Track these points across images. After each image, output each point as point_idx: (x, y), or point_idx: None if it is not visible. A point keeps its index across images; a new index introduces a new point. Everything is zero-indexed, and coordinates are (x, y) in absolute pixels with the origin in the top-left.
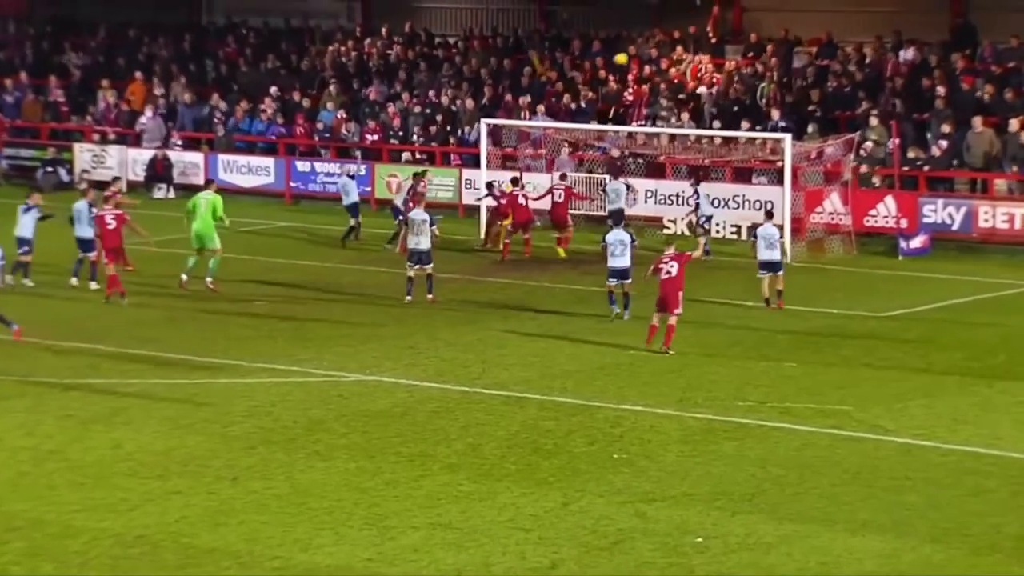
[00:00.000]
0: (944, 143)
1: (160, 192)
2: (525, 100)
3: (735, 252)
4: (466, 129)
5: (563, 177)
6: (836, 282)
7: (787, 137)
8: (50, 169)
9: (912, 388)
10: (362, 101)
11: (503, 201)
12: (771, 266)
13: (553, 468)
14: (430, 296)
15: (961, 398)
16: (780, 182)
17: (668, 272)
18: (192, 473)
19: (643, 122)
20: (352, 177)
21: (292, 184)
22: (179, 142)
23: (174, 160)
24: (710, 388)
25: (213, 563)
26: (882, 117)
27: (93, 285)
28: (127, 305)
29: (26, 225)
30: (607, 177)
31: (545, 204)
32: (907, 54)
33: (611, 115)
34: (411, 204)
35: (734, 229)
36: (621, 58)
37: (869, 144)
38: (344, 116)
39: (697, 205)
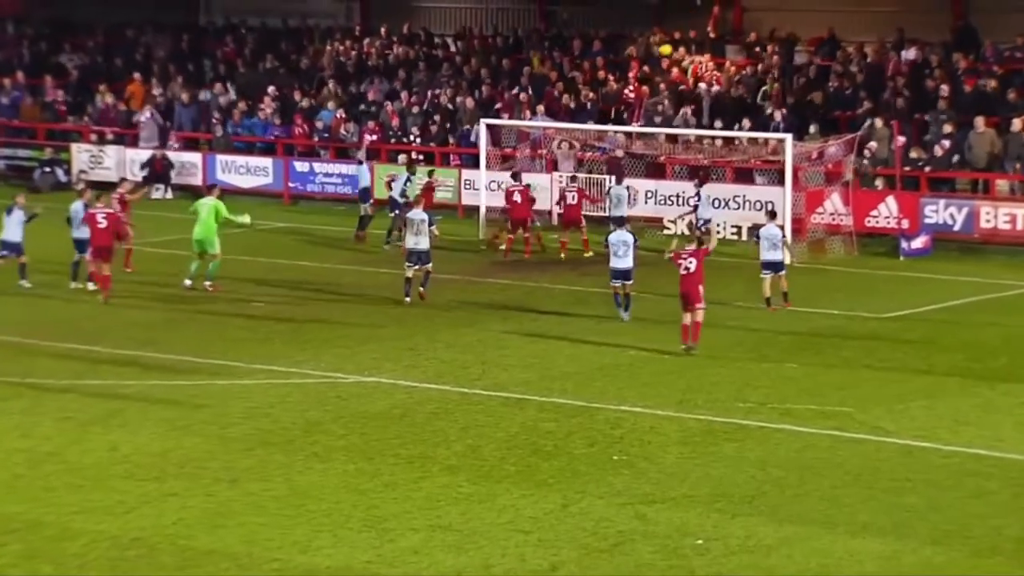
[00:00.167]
0: (947, 143)
1: (158, 193)
2: (525, 99)
3: (735, 253)
4: (467, 127)
5: (573, 179)
6: (837, 283)
7: (788, 137)
8: (47, 169)
9: (913, 389)
10: (360, 100)
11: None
12: (773, 266)
13: (553, 470)
14: (421, 290)
15: (963, 400)
16: (781, 182)
17: (687, 268)
18: (190, 475)
19: (642, 122)
20: (362, 163)
21: (291, 184)
22: (176, 144)
23: (172, 160)
24: (710, 389)
25: (211, 565)
26: (885, 117)
27: (91, 286)
28: (103, 302)
29: (11, 228)
30: (609, 179)
31: (543, 204)
32: (908, 54)
33: (612, 115)
34: (422, 201)
35: (734, 230)
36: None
37: (874, 144)
38: (343, 116)
39: (696, 206)
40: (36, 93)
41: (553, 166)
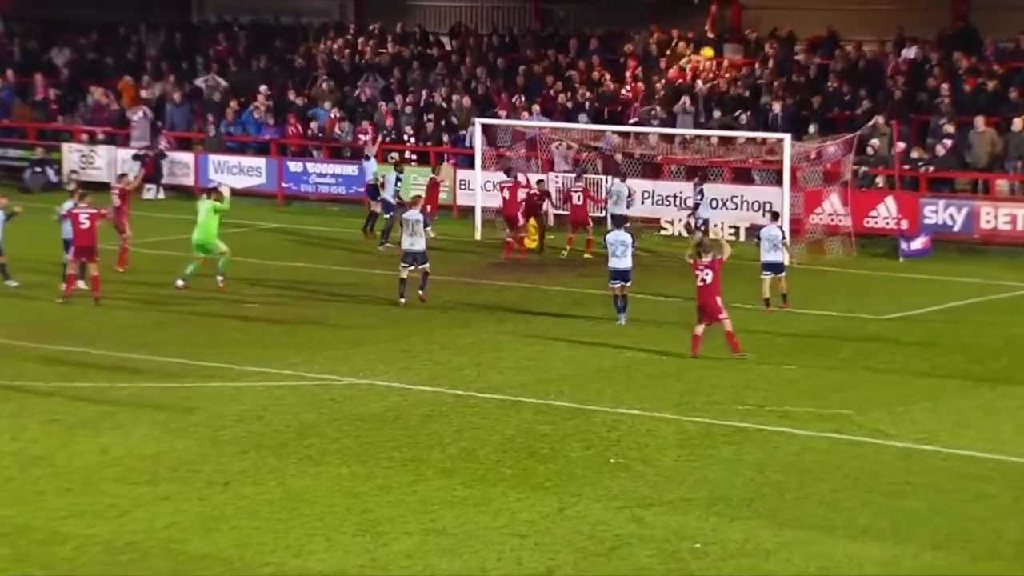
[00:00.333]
0: (949, 142)
1: (149, 193)
2: (520, 99)
3: (733, 254)
4: (463, 133)
5: (579, 179)
6: (836, 284)
7: (787, 137)
8: (38, 170)
9: (913, 391)
10: (355, 100)
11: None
12: (773, 267)
13: (549, 473)
14: (421, 293)
15: (963, 402)
16: (779, 183)
17: (703, 280)
18: (182, 478)
19: (637, 120)
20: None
21: (284, 185)
22: (164, 144)
23: (164, 151)
24: (708, 392)
25: (204, 569)
26: (885, 116)
27: (82, 284)
28: (60, 303)
29: None
30: (607, 179)
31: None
32: (908, 53)
33: (606, 115)
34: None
35: (732, 230)
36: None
37: (876, 141)
38: (337, 115)
39: (697, 205)
40: (26, 92)
41: (549, 166)
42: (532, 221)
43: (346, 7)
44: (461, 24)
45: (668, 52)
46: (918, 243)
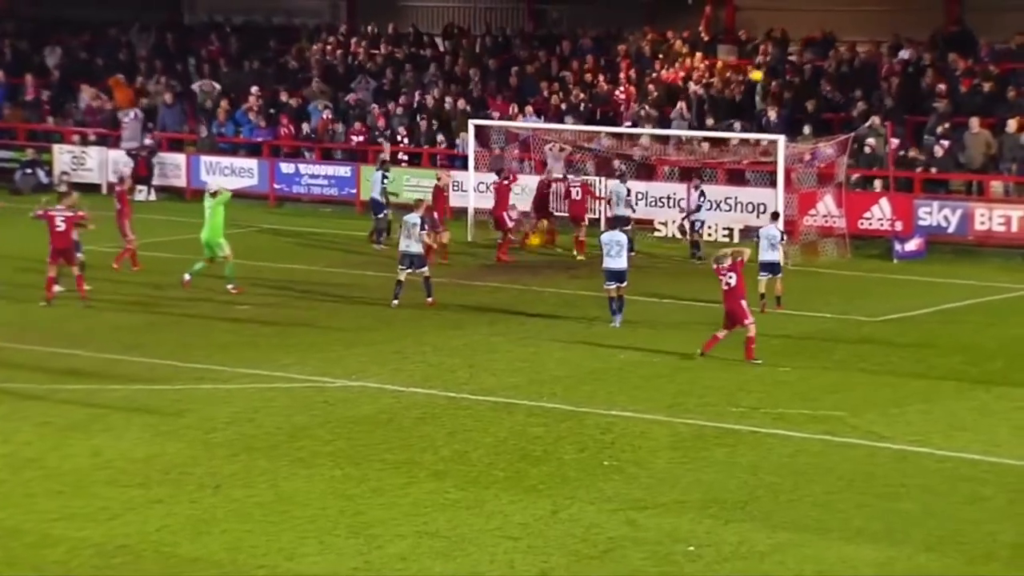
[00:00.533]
0: (946, 143)
1: (140, 195)
2: (514, 100)
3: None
4: (458, 141)
5: (579, 174)
6: (830, 285)
7: (781, 138)
8: (29, 171)
9: (908, 393)
10: (347, 100)
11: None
12: (771, 267)
13: (542, 475)
14: (430, 300)
15: (958, 404)
16: (773, 184)
17: (728, 283)
18: (174, 481)
19: (630, 123)
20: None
21: (276, 186)
22: (149, 141)
23: (155, 162)
24: (702, 393)
25: (196, 573)
26: (880, 117)
27: (58, 288)
28: (42, 306)
29: None
30: (600, 179)
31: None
32: (903, 53)
33: (598, 115)
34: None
35: (726, 231)
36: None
37: (872, 140)
38: (330, 117)
39: (699, 207)
40: (17, 92)
41: (542, 167)
42: (544, 222)
43: (338, 8)
44: (454, 25)
45: (661, 54)
46: (912, 245)
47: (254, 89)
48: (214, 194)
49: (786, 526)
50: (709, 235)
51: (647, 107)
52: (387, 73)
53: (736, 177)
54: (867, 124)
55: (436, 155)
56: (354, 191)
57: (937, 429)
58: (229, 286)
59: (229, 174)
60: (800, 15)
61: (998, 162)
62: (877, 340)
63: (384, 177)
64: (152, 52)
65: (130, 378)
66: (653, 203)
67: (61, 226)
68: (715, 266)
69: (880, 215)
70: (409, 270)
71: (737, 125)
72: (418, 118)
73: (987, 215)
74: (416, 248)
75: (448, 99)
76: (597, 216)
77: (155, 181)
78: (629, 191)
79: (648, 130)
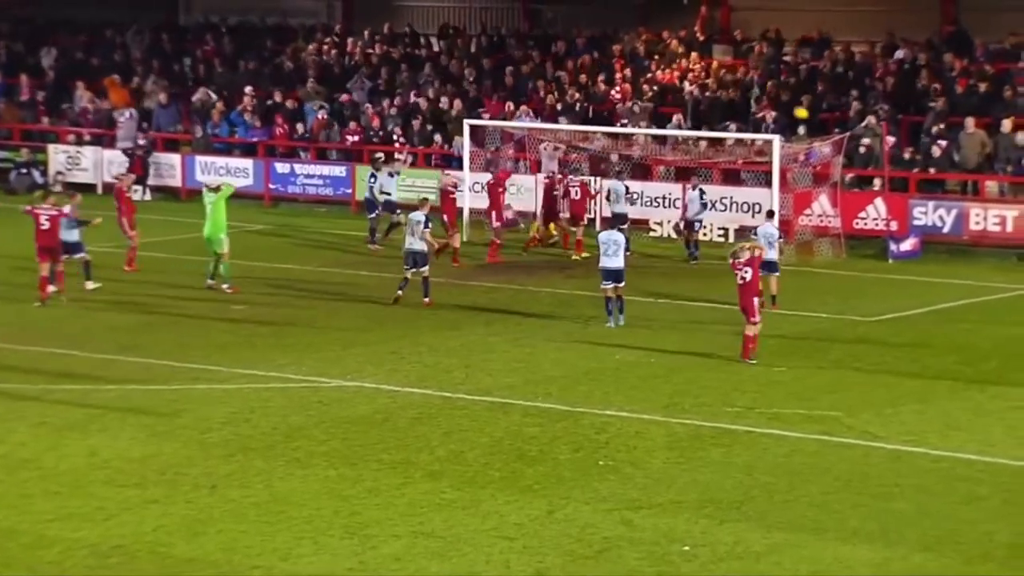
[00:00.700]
0: (942, 143)
1: (136, 194)
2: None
3: (723, 255)
4: (453, 143)
5: (577, 173)
6: (825, 285)
7: (776, 138)
8: (24, 171)
9: (903, 393)
10: (342, 100)
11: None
12: (768, 266)
13: (538, 475)
14: (427, 300)
15: (953, 403)
16: (768, 184)
17: (743, 278)
18: (169, 481)
19: (625, 122)
20: (392, 175)
21: (271, 186)
22: (142, 141)
23: (151, 161)
24: (697, 393)
25: (191, 573)
26: (876, 116)
27: (89, 285)
28: (36, 307)
29: None
30: (595, 179)
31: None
32: (898, 53)
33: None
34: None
35: (722, 231)
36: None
37: (867, 140)
38: (325, 117)
39: (704, 206)
40: (12, 92)
41: (537, 167)
42: (552, 226)
43: (334, 8)
44: (449, 25)
45: (657, 55)
46: (907, 244)
47: (248, 89)
48: (215, 189)
49: (782, 526)
50: (704, 235)
51: (639, 102)
52: (382, 73)
53: (732, 177)
54: (863, 124)
55: (431, 155)
56: (349, 191)
57: (932, 429)
58: (225, 286)
59: (224, 174)
60: (795, 15)
61: (993, 162)
62: (872, 340)
63: (373, 176)
64: (147, 53)
65: (126, 378)
66: (648, 203)
67: (46, 224)
68: (731, 260)
69: (875, 215)
70: (413, 268)
71: (732, 126)
72: (413, 119)
73: (982, 215)
74: (419, 246)
75: (444, 99)
76: (593, 216)
77: (150, 181)
78: (627, 188)
79: (643, 130)
